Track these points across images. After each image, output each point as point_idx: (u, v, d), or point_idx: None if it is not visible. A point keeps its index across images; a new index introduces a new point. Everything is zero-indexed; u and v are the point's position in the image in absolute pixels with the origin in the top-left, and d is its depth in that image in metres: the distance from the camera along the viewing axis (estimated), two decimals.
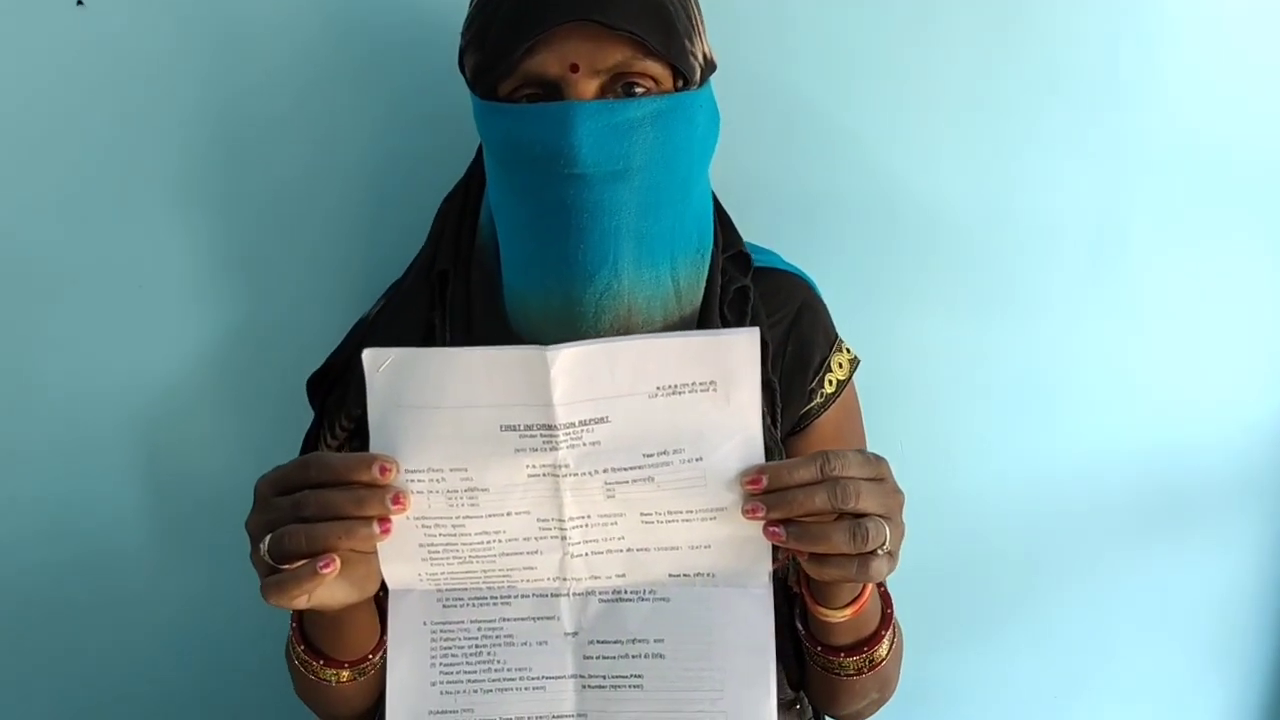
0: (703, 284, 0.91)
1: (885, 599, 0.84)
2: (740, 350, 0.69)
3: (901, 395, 1.21)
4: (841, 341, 1.02)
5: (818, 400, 0.98)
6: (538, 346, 0.69)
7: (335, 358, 0.99)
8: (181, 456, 1.19)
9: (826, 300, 1.04)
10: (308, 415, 1.00)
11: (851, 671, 0.83)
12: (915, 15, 1.14)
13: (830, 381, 0.99)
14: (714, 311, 0.92)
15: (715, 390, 0.70)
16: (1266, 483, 1.32)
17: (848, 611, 0.78)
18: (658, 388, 0.70)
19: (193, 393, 1.17)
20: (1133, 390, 1.27)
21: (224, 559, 1.18)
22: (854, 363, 1.02)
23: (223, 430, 1.19)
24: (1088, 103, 1.19)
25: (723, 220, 0.98)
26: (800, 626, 0.86)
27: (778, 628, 0.74)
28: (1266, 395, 1.30)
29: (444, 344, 0.92)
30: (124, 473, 1.18)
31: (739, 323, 0.93)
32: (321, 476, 0.69)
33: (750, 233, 1.01)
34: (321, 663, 0.82)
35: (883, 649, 0.83)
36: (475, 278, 0.93)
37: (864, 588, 0.78)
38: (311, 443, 0.99)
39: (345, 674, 0.83)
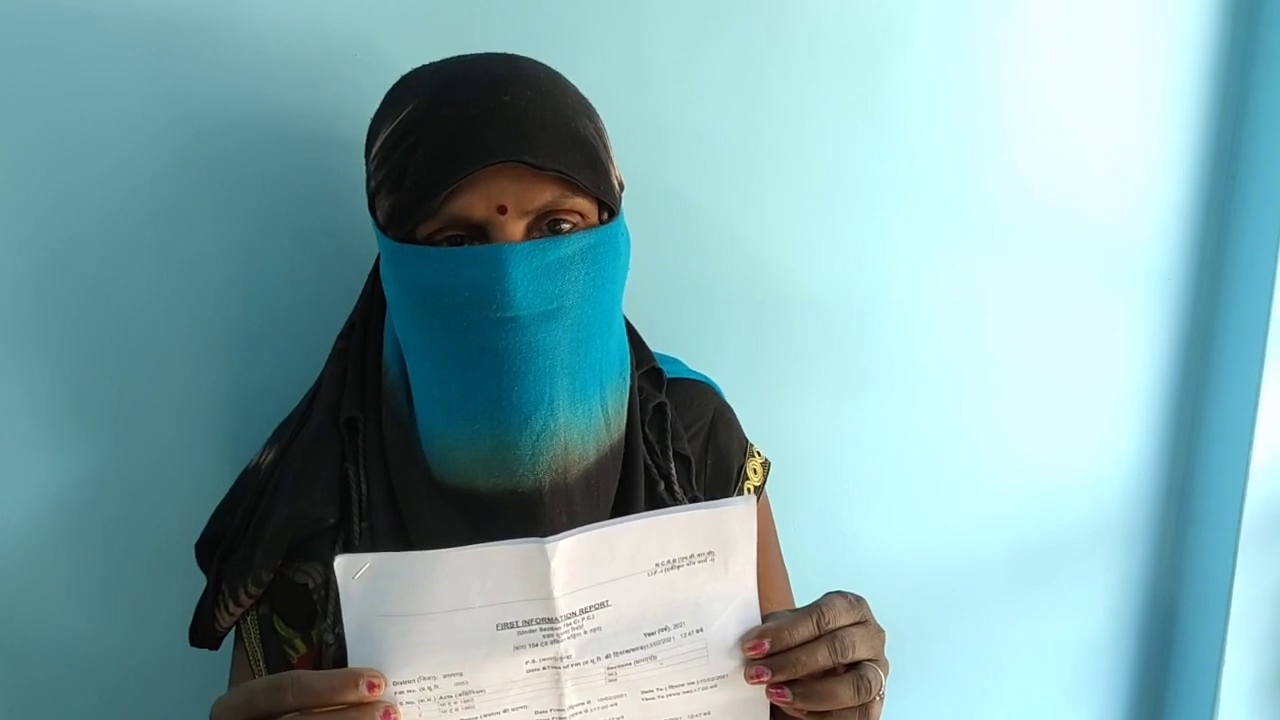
0: (625, 408, 0.89)
1: None
2: (738, 520, 0.69)
3: (792, 475, 1.23)
4: (752, 446, 1.02)
5: None
6: (534, 540, 0.65)
7: (225, 515, 0.91)
8: (33, 623, 1.04)
9: (728, 397, 1.04)
10: (184, 575, 0.92)
11: None
12: (787, 115, 1.16)
13: (748, 490, 0.99)
14: (637, 434, 0.90)
15: (713, 560, 0.69)
16: (1116, 536, 1.45)
17: None
18: (657, 564, 0.68)
19: (41, 554, 1.03)
20: (1000, 456, 1.35)
21: None
22: (766, 466, 1.03)
23: (82, 594, 1.05)
24: (947, 191, 1.25)
25: (632, 336, 0.96)
26: None
27: None
28: (1113, 455, 1.42)
29: (361, 497, 0.86)
30: None
31: (660, 441, 0.92)
32: (301, 701, 0.63)
33: (649, 338, 1.00)
34: None
35: None
36: (387, 423, 0.87)
37: None
38: (208, 612, 0.89)
39: None
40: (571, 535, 0.66)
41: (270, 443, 0.93)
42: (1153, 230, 1.36)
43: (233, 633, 0.92)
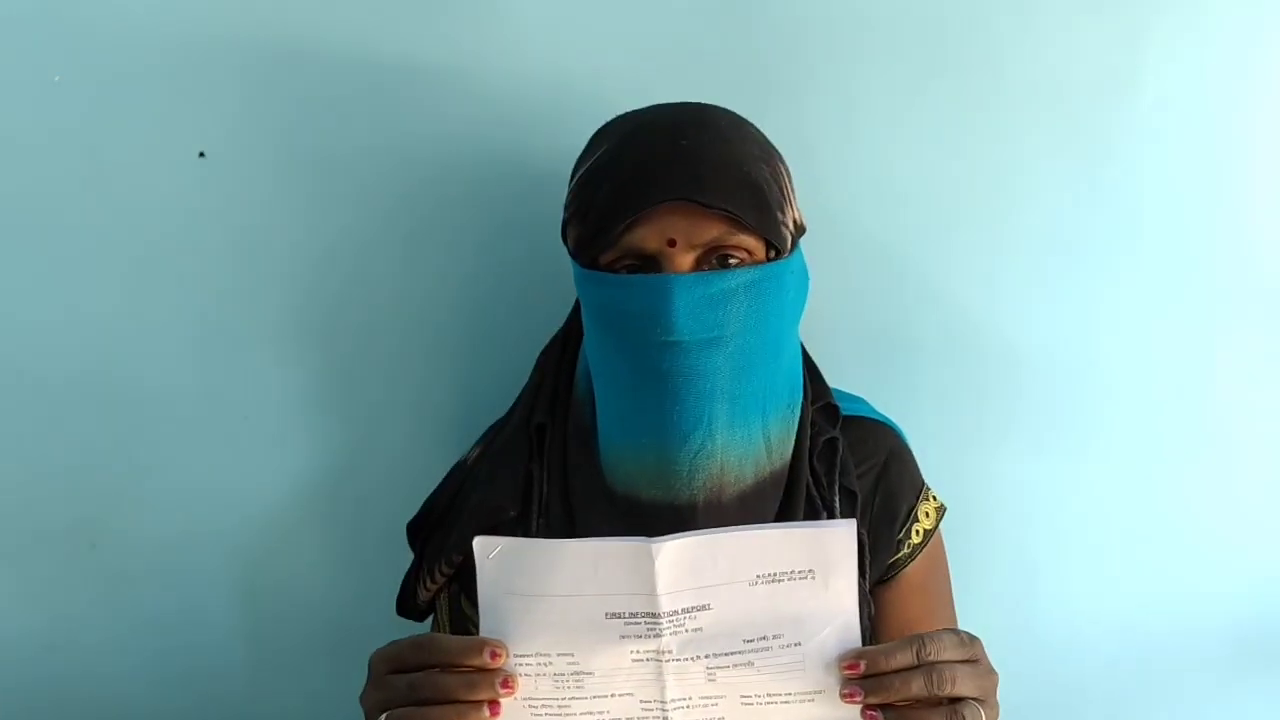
0: (793, 438, 0.94)
1: None
2: (838, 542, 0.72)
3: (977, 531, 1.22)
4: (929, 490, 1.03)
5: (905, 551, 1.00)
6: (643, 539, 0.72)
7: (434, 501, 1.03)
8: (280, 588, 1.23)
9: (914, 442, 1.06)
10: (405, 553, 1.04)
11: None
12: (1001, 163, 1.17)
13: (917, 531, 1.01)
14: (804, 464, 0.94)
15: (814, 578, 0.72)
16: None
17: None
18: (758, 576, 0.72)
19: (294, 526, 1.21)
20: (1220, 530, 1.26)
21: (318, 688, 1.23)
22: (940, 511, 1.04)
23: (322, 564, 1.23)
24: (1165, 245, 1.20)
25: (811, 372, 1.01)
26: None
27: None
28: None
29: (541, 494, 0.96)
30: (226, 601, 1.22)
31: (828, 474, 0.96)
32: (435, 658, 0.73)
33: (839, 378, 1.03)
34: None
35: None
36: (571, 431, 0.97)
37: None
38: (410, 585, 1.02)
39: None
40: (678, 538, 0.72)
41: (479, 441, 1.05)
42: None
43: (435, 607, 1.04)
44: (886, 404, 1.07)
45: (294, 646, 1.24)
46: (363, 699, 0.75)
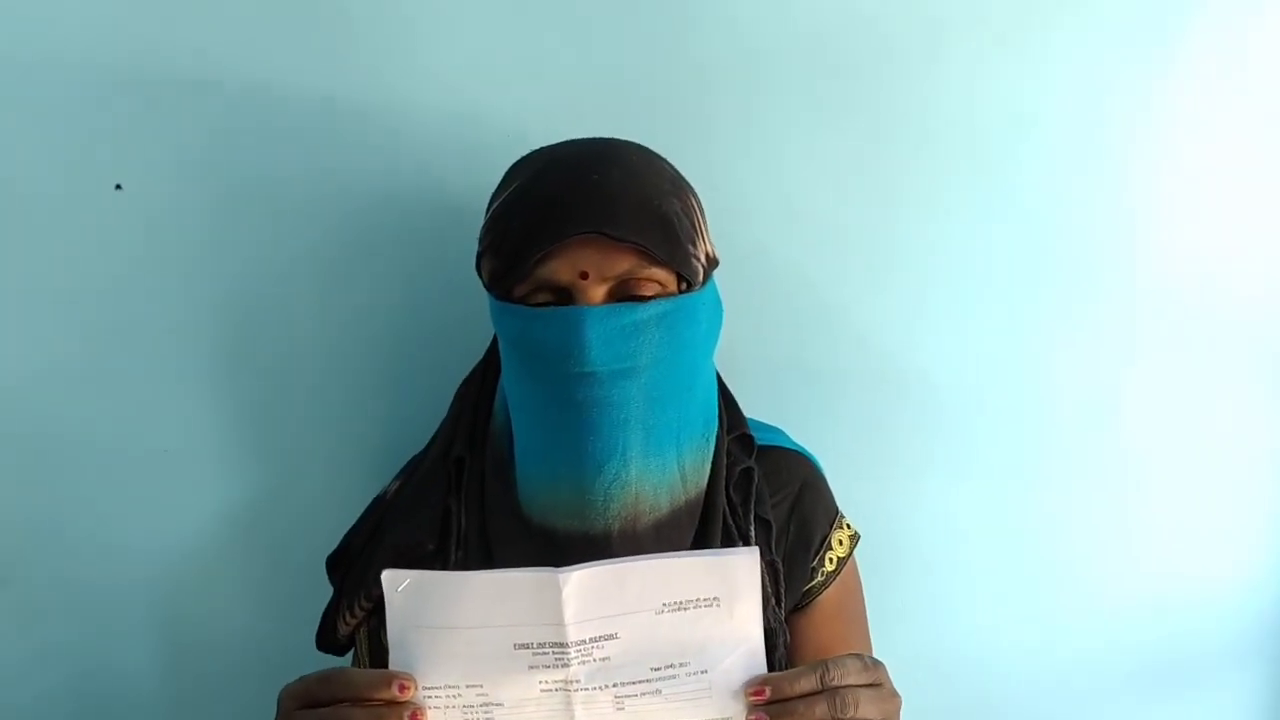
0: (708, 468, 0.95)
1: None
2: (741, 569, 0.73)
3: (899, 559, 1.24)
4: (843, 517, 1.05)
5: (819, 578, 1.01)
6: (550, 570, 0.72)
7: (353, 535, 1.03)
8: (200, 621, 1.22)
9: (830, 471, 1.07)
10: (327, 588, 1.03)
11: None
12: (913, 197, 1.20)
13: (831, 559, 1.02)
14: (719, 494, 0.96)
15: (719, 606, 0.73)
16: (1264, 653, 1.33)
17: None
18: (664, 604, 0.73)
19: (213, 559, 1.21)
20: (1130, 555, 1.30)
21: None
22: (854, 538, 1.05)
23: (243, 600, 1.22)
24: (1076, 274, 1.24)
25: (728, 402, 1.02)
26: None
27: None
28: (1266, 555, 1.32)
29: (459, 528, 0.96)
30: (143, 634, 1.21)
31: (743, 503, 0.97)
32: (344, 693, 0.73)
33: (756, 409, 1.05)
34: None
35: None
36: (489, 463, 0.97)
37: None
38: (330, 619, 1.01)
39: None
40: (584, 568, 0.73)
41: (399, 474, 1.05)
42: None
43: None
44: (803, 434, 1.09)
45: (214, 682, 1.23)
46: None
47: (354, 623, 0.99)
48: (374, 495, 1.05)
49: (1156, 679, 1.33)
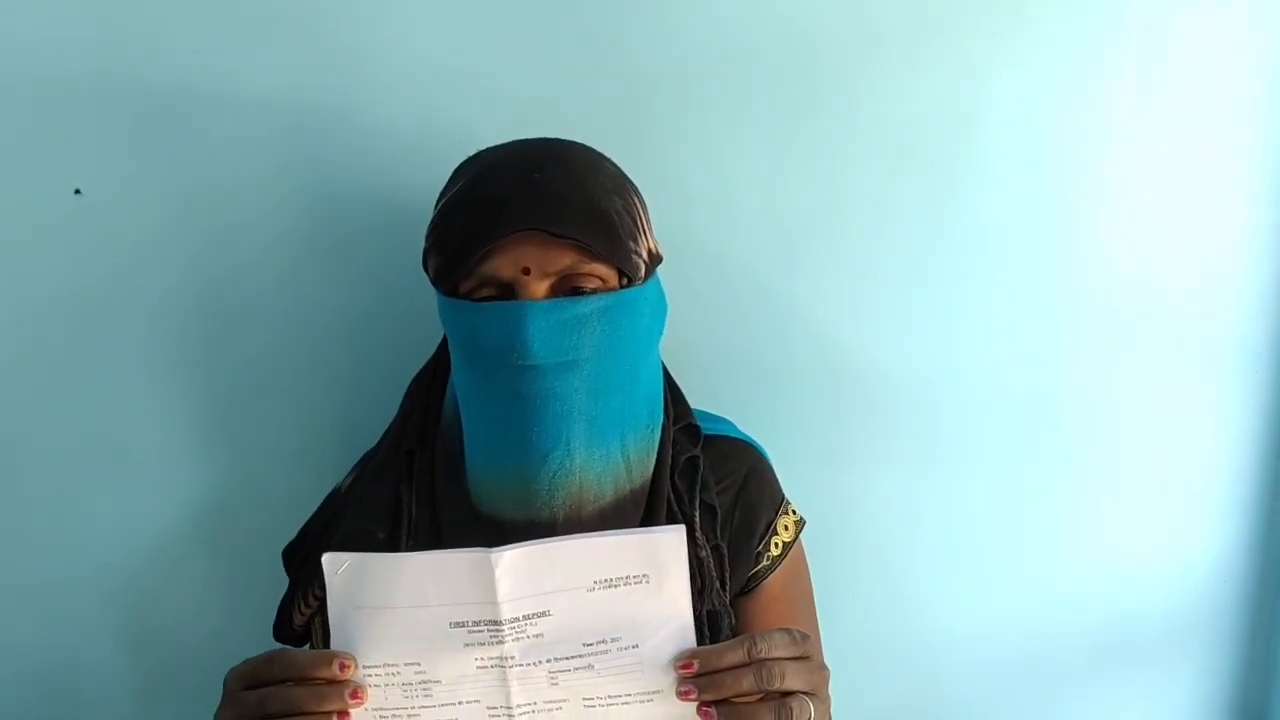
0: (653, 457, 0.98)
1: None
2: (669, 547, 0.76)
3: (855, 548, 1.27)
4: (788, 504, 1.08)
5: (764, 563, 1.04)
6: (482, 550, 0.75)
7: (309, 527, 1.05)
8: (160, 617, 1.24)
9: (779, 461, 1.10)
10: (283, 579, 1.05)
11: None
12: (856, 193, 1.23)
13: (776, 544, 1.05)
14: (664, 482, 0.98)
15: (648, 582, 0.76)
16: (1200, 634, 1.38)
17: None
18: (595, 582, 0.76)
19: (172, 555, 1.23)
20: (1076, 542, 1.33)
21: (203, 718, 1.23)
22: (800, 524, 1.08)
23: (203, 595, 1.24)
24: (1020, 271, 1.27)
25: (674, 394, 1.05)
26: None
27: None
28: (1199, 546, 1.36)
29: (410, 516, 0.99)
30: (105, 629, 1.24)
31: (689, 491, 1.00)
32: (285, 673, 0.76)
33: (704, 401, 1.08)
34: None
35: None
36: (439, 455, 1.00)
37: None
38: (286, 610, 1.04)
39: None
40: (515, 547, 0.75)
41: (353, 469, 1.08)
42: (1239, 309, 1.30)
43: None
44: (751, 425, 1.12)
45: (177, 676, 1.25)
46: (217, 716, 0.77)
47: (309, 613, 1.02)
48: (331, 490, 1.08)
49: (1095, 660, 1.36)
